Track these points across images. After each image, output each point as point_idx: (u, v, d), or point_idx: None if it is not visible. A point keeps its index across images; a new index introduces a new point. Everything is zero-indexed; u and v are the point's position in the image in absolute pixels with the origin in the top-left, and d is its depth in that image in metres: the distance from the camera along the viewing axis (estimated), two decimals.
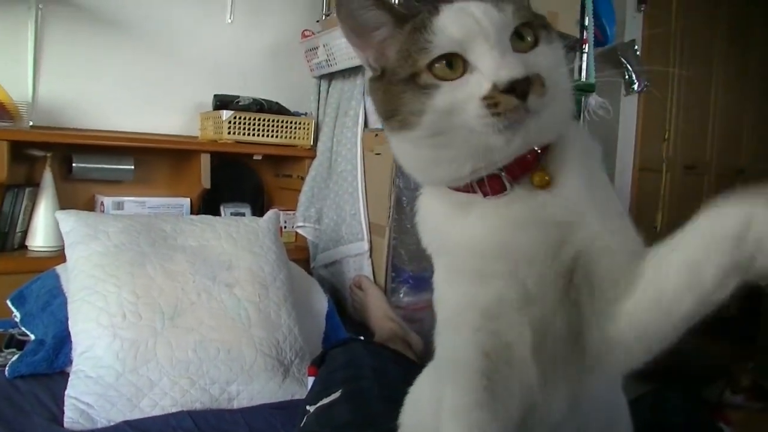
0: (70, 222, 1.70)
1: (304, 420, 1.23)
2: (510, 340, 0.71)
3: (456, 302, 0.74)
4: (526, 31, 0.68)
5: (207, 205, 2.41)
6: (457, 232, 0.73)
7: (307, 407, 1.26)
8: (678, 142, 3.97)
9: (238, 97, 2.40)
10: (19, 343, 1.75)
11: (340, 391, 1.26)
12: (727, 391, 2.84)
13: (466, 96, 0.65)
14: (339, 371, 1.37)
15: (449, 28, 0.66)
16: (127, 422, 1.44)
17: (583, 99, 2.81)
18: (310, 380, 1.48)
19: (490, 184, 0.70)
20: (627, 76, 3.51)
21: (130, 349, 1.50)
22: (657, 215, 3.78)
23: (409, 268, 2.22)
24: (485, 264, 0.71)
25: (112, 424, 1.44)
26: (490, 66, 0.64)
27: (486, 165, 0.69)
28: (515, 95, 0.63)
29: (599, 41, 2.97)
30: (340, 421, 1.16)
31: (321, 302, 2.01)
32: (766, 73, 4.57)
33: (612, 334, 0.69)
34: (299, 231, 2.50)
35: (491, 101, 0.64)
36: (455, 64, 0.66)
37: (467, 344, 0.71)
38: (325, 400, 1.25)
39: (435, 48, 0.66)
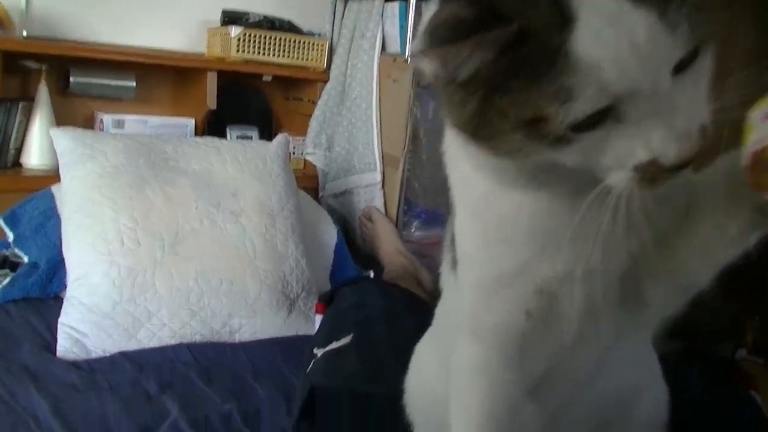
0: (66, 140, 1.59)
1: (311, 365, 1.15)
2: (559, 298, 0.61)
3: (500, 267, 0.62)
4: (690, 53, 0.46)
5: (212, 126, 2.29)
6: None
7: (315, 350, 1.18)
8: None
9: (248, 13, 2.25)
10: (12, 265, 1.67)
11: (350, 335, 1.17)
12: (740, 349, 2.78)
13: (610, 162, 0.48)
14: (349, 312, 1.28)
15: (602, 68, 0.44)
16: (123, 353, 1.37)
17: None
18: (317, 318, 1.40)
19: None
20: None
21: (128, 277, 1.42)
22: None
23: (422, 202, 2.13)
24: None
25: (107, 354, 1.37)
26: (657, 136, 0.46)
27: None
28: (675, 169, 0.48)
29: None
30: (349, 371, 1.08)
31: (330, 234, 1.91)
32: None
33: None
34: (308, 158, 2.39)
35: (642, 173, 0.48)
36: (600, 115, 0.46)
37: (508, 304, 0.62)
38: (334, 345, 1.16)
39: (577, 99, 0.44)
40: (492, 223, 0.62)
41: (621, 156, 0.48)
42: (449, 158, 0.66)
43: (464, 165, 0.62)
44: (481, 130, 0.50)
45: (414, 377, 0.90)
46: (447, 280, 0.77)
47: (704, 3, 0.45)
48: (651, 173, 0.48)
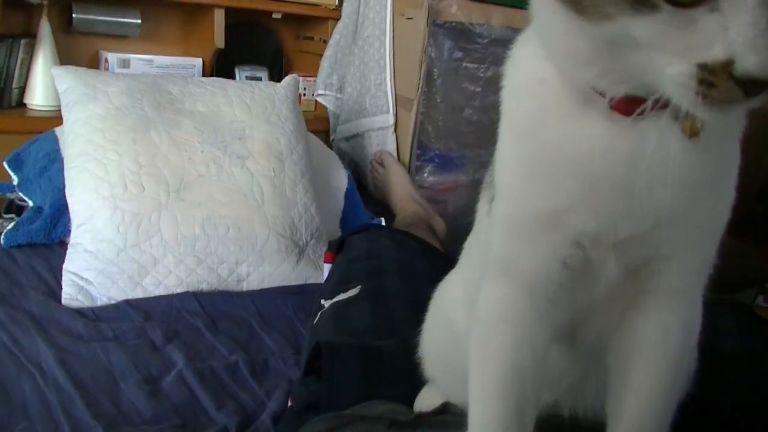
0: (67, 79, 1.54)
1: (318, 317, 1.11)
2: (592, 256, 0.57)
3: (539, 206, 0.56)
4: None
5: (220, 66, 2.22)
6: (569, 134, 0.53)
7: (322, 301, 1.14)
8: None
9: None
10: (18, 209, 1.64)
11: (359, 287, 1.13)
12: (759, 297, 2.74)
13: (681, 48, 0.42)
14: (359, 262, 1.24)
15: None
16: (128, 301, 1.34)
17: None
18: (326, 268, 1.35)
19: (626, 102, 0.50)
20: None
21: (132, 223, 1.38)
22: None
23: (435, 146, 2.06)
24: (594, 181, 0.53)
25: (112, 302, 1.35)
26: (743, 34, 0.40)
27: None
28: (745, 90, 0.41)
29: None
30: (358, 327, 1.04)
31: (341, 179, 1.86)
32: None
33: None
34: (319, 99, 2.31)
35: (707, 80, 0.41)
36: None
37: (545, 249, 0.57)
38: (343, 296, 1.12)
39: None
40: (538, 152, 0.56)
41: (696, 45, 0.41)
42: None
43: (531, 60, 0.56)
44: None
45: (433, 324, 0.84)
46: (481, 219, 0.71)
47: None
48: (717, 81, 0.41)
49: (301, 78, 2.31)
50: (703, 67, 0.41)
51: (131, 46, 2.13)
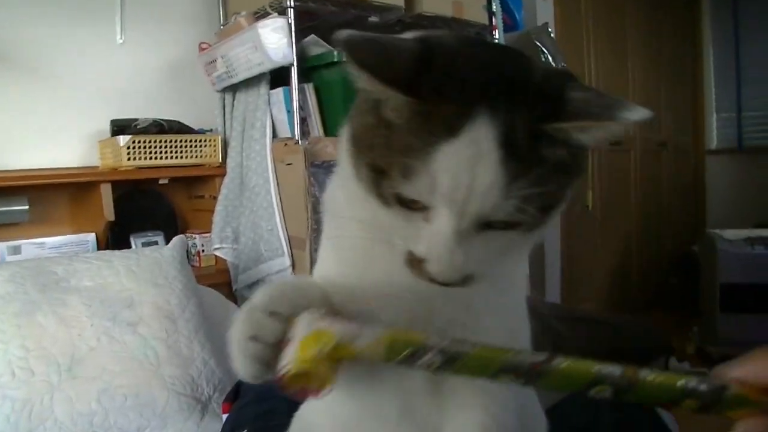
0: None
1: None
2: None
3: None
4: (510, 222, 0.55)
5: (115, 237, 2.26)
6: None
7: None
8: None
9: (137, 120, 2.26)
10: None
11: (246, 430, 1.14)
12: (672, 360, 2.84)
13: (402, 235, 0.58)
14: (250, 406, 1.25)
15: (439, 183, 0.52)
16: None
17: None
18: (225, 418, 1.35)
19: None
20: (543, 59, 3.49)
21: (23, 410, 1.36)
22: (588, 194, 3.77)
23: None
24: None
25: None
26: (434, 251, 0.55)
27: None
28: (431, 280, 0.56)
29: (508, 26, 2.94)
30: None
31: None
32: (675, 49, 4.65)
33: None
34: (217, 253, 2.37)
35: (412, 261, 0.57)
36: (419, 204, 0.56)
37: None
38: None
39: (413, 184, 0.53)
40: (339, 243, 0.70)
41: (410, 238, 0.57)
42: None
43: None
44: (360, 142, 0.58)
45: None
46: None
47: (533, 199, 0.53)
48: (417, 266, 0.56)
49: (197, 235, 2.39)
50: (411, 253, 0.57)
51: (21, 232, 2.14)
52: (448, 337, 0.46)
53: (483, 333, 0.65)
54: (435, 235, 0.54)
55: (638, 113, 0.52)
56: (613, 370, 0.44)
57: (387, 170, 0.54)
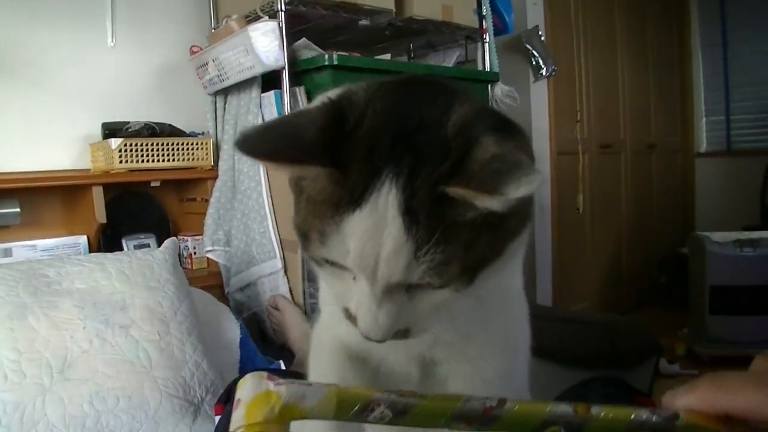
0: None
1: None
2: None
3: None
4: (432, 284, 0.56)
5: (107, 240, 2.26)
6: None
7: None
8: (591, 122, 4.00)
9: (128, 123, 2.26)
10: None
11: None
12: (662, 361, 2.85)
13: (338, 292, 0.60)
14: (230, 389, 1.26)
15: (348, 246, 0.53)
16: None
17: (489, 88, 2.78)
18: (217, 420, 1.36)
19: None
20: (534, 62, 3.51)
21: (15, 413, 1.36)
22: (578, 197, 3.80)
23: None
24: None
25: None
26: (360, 309, 0.56)
27: None
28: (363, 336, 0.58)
29: (499, 29, 2.95)
30: None
31: (233, 330, 1.89)
32: (664, 52, 4.68)
33: None
34: (209, 256, 2.37)
35: (348, 316, 0.59)
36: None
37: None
38: None
39: (328, 247, 0.55)
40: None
41: (344, 296, 0.59)
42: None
43: None
44: (294, 207, 0.60)
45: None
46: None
47: (451, 261, 0.53)
48: (353, 321, 0.58)
49: (189, 238, 2.39)
50: (346, 309, 0.59)
51: (12, 234, 2.14)
52: (396, 389, 0.46)
53: (474, 354, 0.68)
54: (360, 294, 0.56)
55: (524, 188, 0.48)
56: (564, 409, 0.44)
57: (309, 235, 0.56)
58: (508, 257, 0.58)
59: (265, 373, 0.48)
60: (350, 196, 0.53)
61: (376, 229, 0.52)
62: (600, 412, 0.44)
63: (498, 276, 0.62)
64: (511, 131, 0.57)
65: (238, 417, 0.46)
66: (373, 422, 0.44)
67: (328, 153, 0.53)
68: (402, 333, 0.57)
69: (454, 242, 0.52)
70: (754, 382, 0.38)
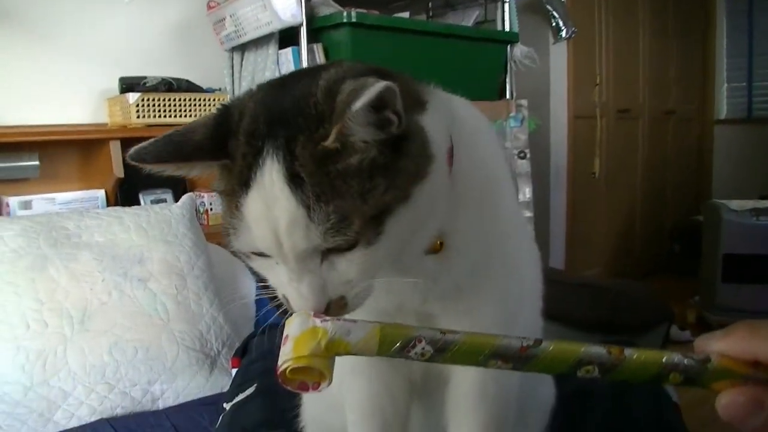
0: None
1: (220, 420, 1.15)
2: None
3: None
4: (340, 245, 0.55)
5: (125, 194, 2.28)
6: None
7: (224, 405, 1.18)
8: (610, 87, 3.96)
9: (146, 78, 2.26)
10: None
11: (255, 385, 1.18)
12: (673, 328, 2.87)
13: (274, 283, 0.60)
14: (257, 362, 1.29)
15: (252, 229, 0.55)
16: None
17: (507, 49, 2.75)
18: (234, 373, 1.39)
19: None
20: (554, 24, 3.46)
21: (37, 360, 1.40)
22: (594, 161, 3.77)
23: None
24: None
25: None
26: (286, 290, 0.57)
27: None
28: None
29: None
30: (250, 421, 1.09)
31: (249, 286, 1.91)
32: (687, 18, 4.59)
33: None
34: None
35: (287, 303, 0.59)
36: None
37: None
38: (241, 396, 1.17)
39: (238, 238, 0.56)
40: None
41: (278, 284, 0.59)
42: None
43: None
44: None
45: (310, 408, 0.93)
46: None
47: (349, 215, 0.53)
48: (290, 306, 0.57)
49: (205, 194, 2.40)
50: (283, 296, 0.58)
51: (32, 187, 2.17)
52: (437, 327, 0.47)
53: (468, 305, 0.70)
54: (281, 274, 0.57)
55: (364, 97, 0.50)
56: (598, 350, 0.45)
57: (227, 231, 0.58)
58: (422, 201, 0.56)
59: (311, 312, 0.50)
60: (239, 181, 0.55)
61: (268, 205, 0.53)
62: (633, 353, 0.45)
63: (464, 225, 0.65)
64: (381, 74, 0.57)
65: (286, 351, 0.47)
66: (414, 359, 0.45)
67: (218, 148, 0.56)
68: (339, 305, 0.56)
69: (347, 195, 0.52)
70: None
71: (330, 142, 0.52)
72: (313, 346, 0.47)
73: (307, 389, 0.49)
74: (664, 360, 0.44)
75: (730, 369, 0.42)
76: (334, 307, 0.55)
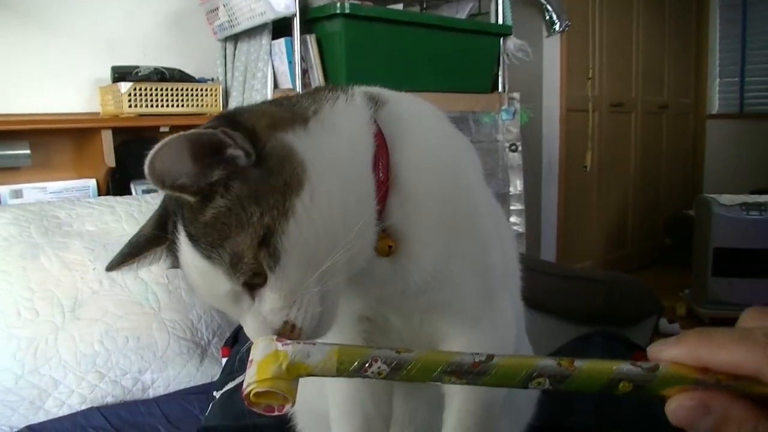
0: None
1: (210, 408, 1.16)
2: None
3: None
4: (255, 279, 0.58)
5: (117, 184, 2.27)
6: None
7: (215, 393, 1.19)
8: (603, 80, 3.96)
9: (138, 67, 2.25)
10: None
11: (244, 373, 1.18)
12: (662, 321, 2.89)
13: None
14: (247, 350, 1.29)
15: (196, 291, 0.62)
16: (30, 427, 1.35)
17: (501, 42, 2.75)
18: (224, 362, 1.40)
19: None
20: (548, 17, 3.46)
21: (29, 348, 1.40)
22: (587, 155, 3.79)
23: None
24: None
25: (14, 430, 1.34)
26: (250, 322, 0.60)
27: None
28: None
29: None
30: (240, 409, 1.09)
31: None
32: (681, 13, 4.61)
33: None
34: None
35: None
36: None
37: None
38: (231, 385, 1.18)
39: (199, 300, 0.61)
40: None
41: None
42: None
43: None
44: None
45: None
46: None
47: (239, 250, 0.56)
48: None
49: None
50: None
51: (23, 176, 2.16)
52: (393, 346, 0.48)
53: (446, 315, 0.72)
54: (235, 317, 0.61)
55: (146, 164, 0.54)
56: (549, 362, 0.46)
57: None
58: (314, 209, 0.57)
59: (275, 336, 0.52)
60: (175, 253, 0.60)
61: (187, 265, 0.59)
62: (583, 364, 0.45)
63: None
64: (237, 114, 0.62)
65: (250, 374, 0.49)
66: (371, 377, 0.47)
67: (163, 232, 0.61)
68: (289, 331, 0.58)
69: (231, 234, 0.55)
70: (739, 338, 0.39)
71: (187, 198, 0.56)
72: (275, 369, 0.49)
73: (273, 411, 0.51)
74: (613, 369, 0.45)
75: (679, 375, 0.43)
76: (287, 334, 0.57)
